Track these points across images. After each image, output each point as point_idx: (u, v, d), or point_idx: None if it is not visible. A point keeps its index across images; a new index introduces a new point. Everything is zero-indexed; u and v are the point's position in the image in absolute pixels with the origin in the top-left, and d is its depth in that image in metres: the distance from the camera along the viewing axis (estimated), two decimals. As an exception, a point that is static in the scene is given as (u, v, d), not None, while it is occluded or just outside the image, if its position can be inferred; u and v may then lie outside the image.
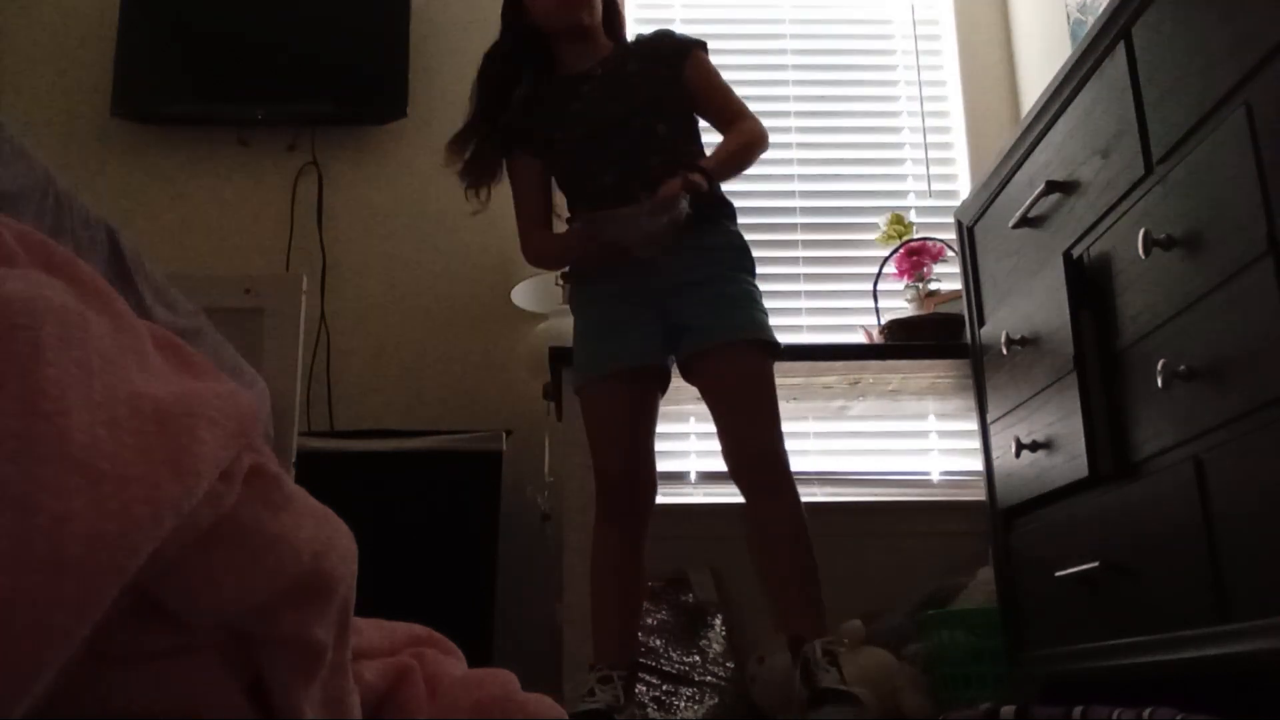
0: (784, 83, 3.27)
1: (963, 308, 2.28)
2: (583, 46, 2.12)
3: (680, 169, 1.92)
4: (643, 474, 1.98)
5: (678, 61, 2.09)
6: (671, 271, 1.96)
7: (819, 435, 2.98)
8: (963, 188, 3.15)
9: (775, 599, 1.92)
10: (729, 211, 2.08)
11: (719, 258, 2.00)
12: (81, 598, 0.47)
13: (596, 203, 2.00)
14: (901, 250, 2.85)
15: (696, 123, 2.13)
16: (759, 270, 2.08)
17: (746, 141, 2.03)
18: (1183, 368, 1.41)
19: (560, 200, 2.21)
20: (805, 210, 3.18)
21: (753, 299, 2.00)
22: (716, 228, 2.03)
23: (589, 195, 2.05)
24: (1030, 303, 1.88)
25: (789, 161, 3.21)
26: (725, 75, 2.16)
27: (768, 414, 1.94)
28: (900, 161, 3.26)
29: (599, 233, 1.94)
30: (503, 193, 2.98)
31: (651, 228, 1.85)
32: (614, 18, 2.20)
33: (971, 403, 2.24)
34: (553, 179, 2.18)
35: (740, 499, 1.99)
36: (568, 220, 2.16)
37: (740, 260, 2.03)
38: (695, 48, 2.11)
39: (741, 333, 1.94)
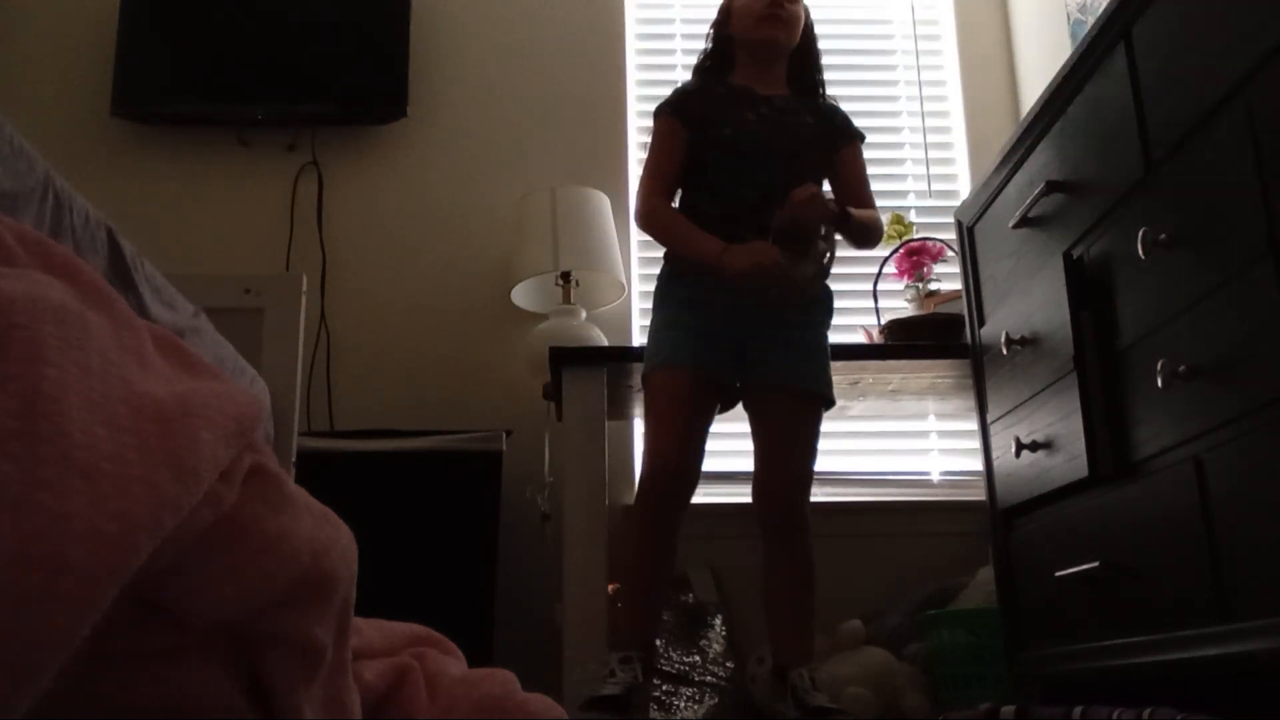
0: (784, 83, 3.26)
1: (963, 308, 2.28)
2: (767, 73, 2.20)
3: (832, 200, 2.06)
4: (693, 465, 2.02)
5: (843, 140, 2.23)
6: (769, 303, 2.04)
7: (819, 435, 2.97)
8: (963, 188, 3.15)
9: (773, 629, 2.06)
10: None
11: (813, 306, 2.11)
12: (81, 598, 0.47)
13: (721, 211, 2.07)
14: (901, 250, 2.84)
15: None
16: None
17: (878, 221, 2.19)
18: (1183, 368, 1.41)
19: None
20: (805, 210, 3.18)
21: (828, 353, 2.12)
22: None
23: (714, 196, 2.10)
24: (1030, 303, 1.88)
25: (789, 161, 3.21)
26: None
27: (809, 465, 2.06)
28: (900, 161, 3.26)
29: (772, 273, 1.97)
30: (500, 191, 3.01)
31: (799, 275, 1.95)
32: (804, 68, 2.26)
33: (971, 403, 2.24)
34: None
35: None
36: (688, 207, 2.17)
37: (828, 311, 2.15)
38: (860, 138, 2.26)
39: (816, 386, 2.06)
